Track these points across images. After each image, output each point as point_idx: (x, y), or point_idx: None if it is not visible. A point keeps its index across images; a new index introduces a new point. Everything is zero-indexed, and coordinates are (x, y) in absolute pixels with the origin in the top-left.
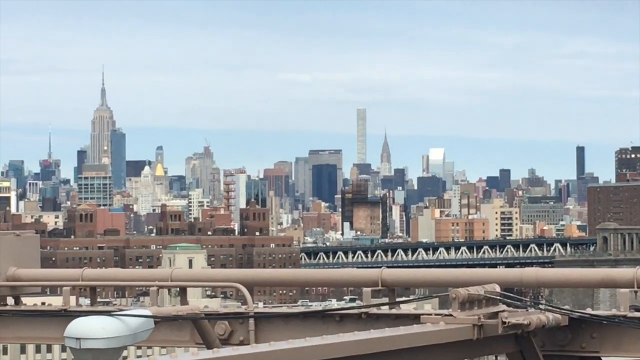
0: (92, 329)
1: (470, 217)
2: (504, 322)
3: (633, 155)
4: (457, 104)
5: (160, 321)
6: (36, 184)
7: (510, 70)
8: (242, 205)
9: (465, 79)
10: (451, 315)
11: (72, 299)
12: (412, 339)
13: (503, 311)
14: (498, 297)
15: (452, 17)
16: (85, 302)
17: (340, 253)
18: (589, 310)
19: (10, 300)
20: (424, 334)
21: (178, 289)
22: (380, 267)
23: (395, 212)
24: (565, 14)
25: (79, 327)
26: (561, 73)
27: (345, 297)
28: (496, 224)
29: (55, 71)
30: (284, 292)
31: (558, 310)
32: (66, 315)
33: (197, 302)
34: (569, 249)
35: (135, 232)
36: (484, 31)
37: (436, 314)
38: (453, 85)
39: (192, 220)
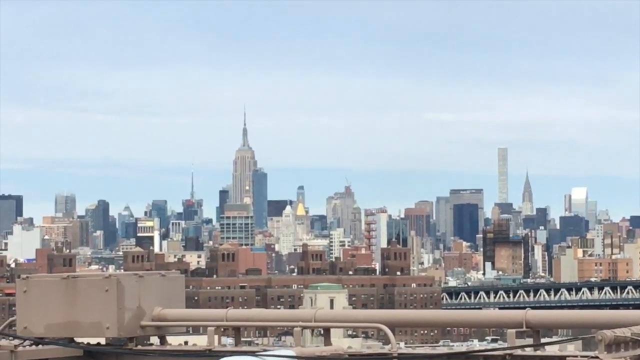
0: None
1: (613, 256)
2: None
3: None
4: (600, 143)
5: None
6: (179, 223)
7: None
8: (383, 244)
9: (608, 117)
10: (597, 357)
11: (216, 338)
12: None
13: None
14: None
15: (594, 55)
16: (228, 341)
17: (482, 293)
18: None
19: (155, 340)
20: None
21: (322, 329)
22: (523, 307)
23: (538, 252)
24: None
25: None
26: None
27: (487, 338)
28: None
29: (197, 112)
30: (425, 332)
31: None
32: (211, 356)
33: (340, 342)
34: None
35: (276, 271)
36: (626, 69)
37: (582, 356)
38: (595, 124)
39: (334, 259)
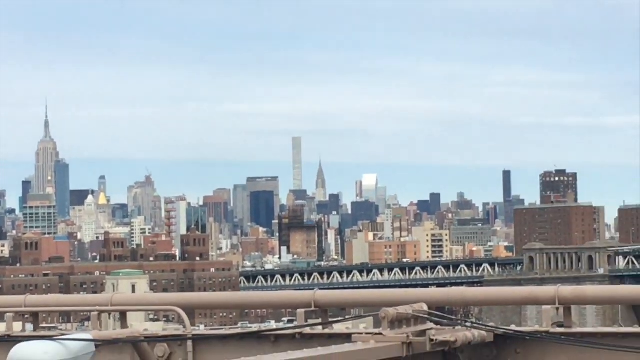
0: (35, 353)
1: (402, 239)
2: (431, 340)
3: (557, 178)
4: (390, 132)
5: (101, 345)
6: None
7: (441, 99)
8: (183, 231)
9: (398, 108)
10: (381, 334)
11: (17, 325)
12: (343, 357)
13: (431, 329)
14: (426, 316)
15: (385, 48)
16: (30, 327)
17: (278, 276)
18: (513, 327)
19: None
20: (355, 352)
21: (119, 313)
22: (314, 289)
23: (331, 236)
24: (495, 46)
25: (21, 351)
26: (490, 101)
27: (283, 319)
28: (427, 246)
29: None
30: (225, 314)
31: (483, 327)
32: (9, 341)
33: (141, 326)
34: (497, 269)
35: (79, 259)
36: (417, 62)
37: (367, 333)
38: (386, 114)
39: (135, 247)
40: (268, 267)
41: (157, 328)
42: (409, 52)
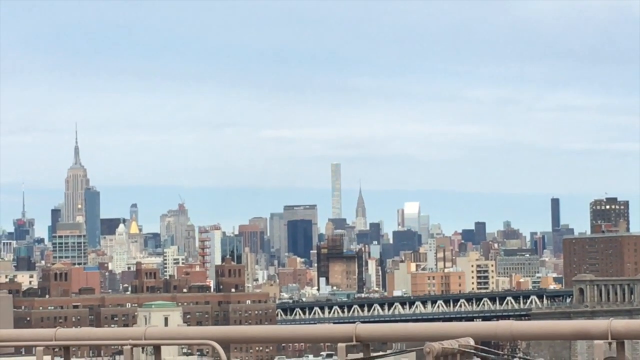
0: None
1: (446, 270)
2: None
3: (608, 207)
4: (433, 158)
5: None
6: (10, 243)
7: (488, 125)
8: (218, 261)
9: (443, 133)
10: None
11: (47, 359)
12: None
13: None
14: (472, 351)
15: (432, 73)
16: None
17: (316, 309)
18: None
19: None
20: None
21: (152, 347)
22: (355, 322)
23: (371, 267)
24: (545, 69)
25: None
26: (539, 127)
27: (322, 353)
28: (472, 277)
29: (28, 130)
30: (261, 349)
31: None
32: None
33: None
34: (545, 301)
35: (110, 290)
36: (463, 86)
37: None
38: (429, 139)
39: (168, 277)
40: (306, 299)
41: None
42: (455, 76)
